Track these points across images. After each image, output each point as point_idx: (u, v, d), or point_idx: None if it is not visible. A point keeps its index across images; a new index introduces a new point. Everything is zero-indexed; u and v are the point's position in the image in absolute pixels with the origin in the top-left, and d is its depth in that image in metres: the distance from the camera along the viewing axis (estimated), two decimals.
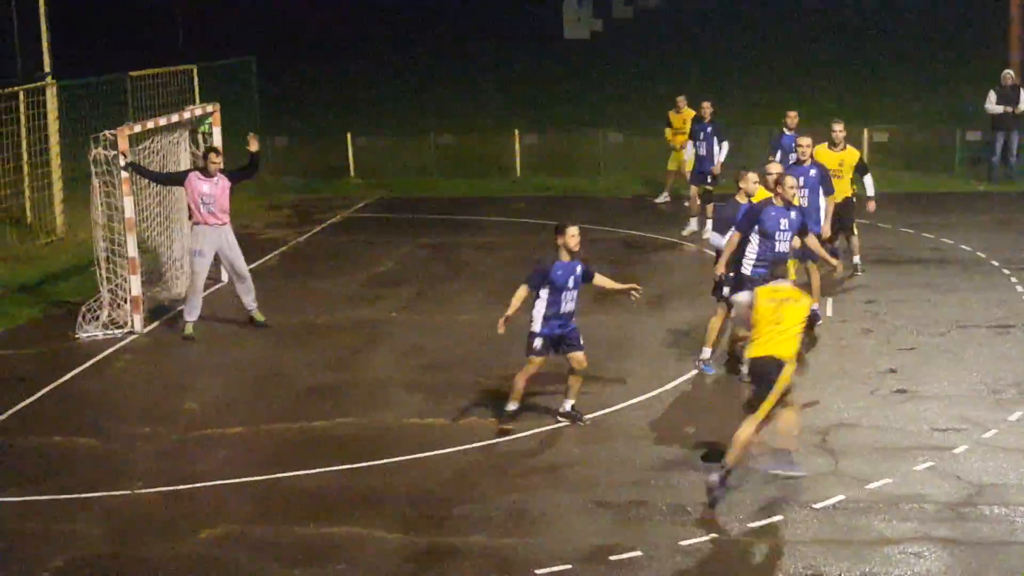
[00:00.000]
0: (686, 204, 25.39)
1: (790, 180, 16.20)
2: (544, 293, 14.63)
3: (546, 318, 14.67)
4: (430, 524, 12.50)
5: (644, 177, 30.39)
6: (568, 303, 14.71)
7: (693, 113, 26.12)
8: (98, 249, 19.00)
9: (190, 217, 19.12)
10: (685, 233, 24.64)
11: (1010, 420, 14.68)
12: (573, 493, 13.07)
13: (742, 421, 12.86)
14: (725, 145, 24.47)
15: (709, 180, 24.36)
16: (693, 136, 24.83)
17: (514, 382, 14.89)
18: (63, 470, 14.00)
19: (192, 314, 18.85)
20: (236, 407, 15.89)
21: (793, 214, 16.07)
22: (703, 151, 24.57)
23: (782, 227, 15.91)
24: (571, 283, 14.65)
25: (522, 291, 14.60)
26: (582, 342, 14.89)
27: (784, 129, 22.73)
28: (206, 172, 18.64)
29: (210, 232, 18.66)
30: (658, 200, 28.20)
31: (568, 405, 15.03)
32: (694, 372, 16.59)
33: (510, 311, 14.53)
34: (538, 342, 14.73)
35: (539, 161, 32.08)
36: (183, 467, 13.99)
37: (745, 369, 13.31)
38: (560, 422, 14.93)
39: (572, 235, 14.55)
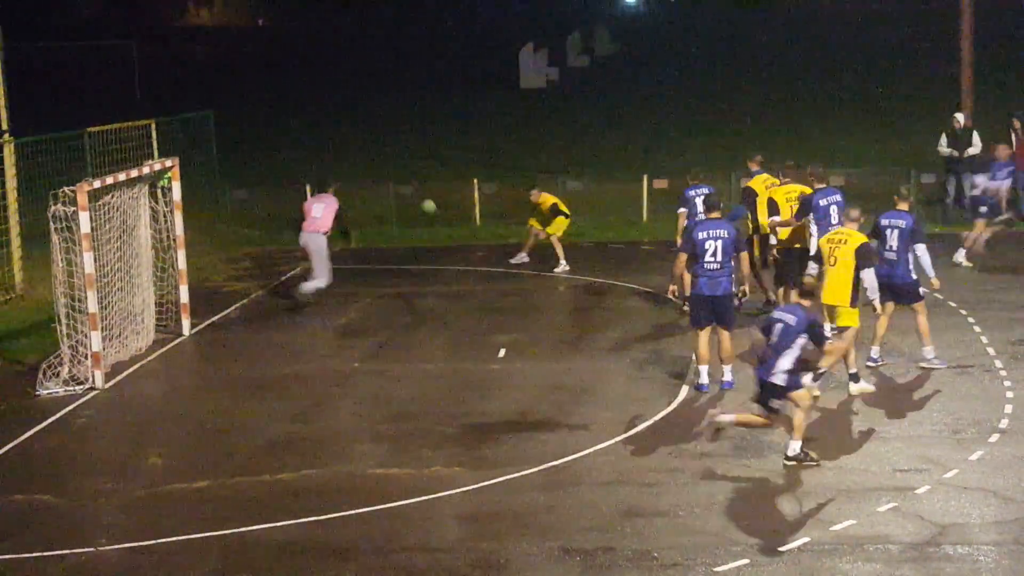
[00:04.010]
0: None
1: None
2: None
3: None
4: (398, 575, 12.49)
5: (605, 223, 30.52)
6: None
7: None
8: (58, 305, 18.92)
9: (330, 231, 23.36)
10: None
11: (971, 459, 14.79)
12: (540, 541, 13.07)
13: None
14: None
15: None
16: None
17: (802, 422, 14.87)
18: (25, 529, 13.91)
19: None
20: (200, 461, 15.82)
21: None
22: None
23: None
24: None
25: None
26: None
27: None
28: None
29: None
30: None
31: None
32: (658, 417, 16.64)
33: None
34: None
35: (498, 209, 32.15)
36: (147, 523, 13.92)
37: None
38: (529, 469, 14.93)
39: None
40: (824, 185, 20.00)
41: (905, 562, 12.33)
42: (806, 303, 15.08)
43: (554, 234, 26.20)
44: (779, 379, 14.63)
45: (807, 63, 63.77)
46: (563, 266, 25.94)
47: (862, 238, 17.30)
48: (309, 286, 23.44)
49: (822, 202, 19.63)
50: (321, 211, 23.37)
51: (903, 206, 18.39)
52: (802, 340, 14.62)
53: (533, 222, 26.56)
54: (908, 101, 50.10)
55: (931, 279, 18.31)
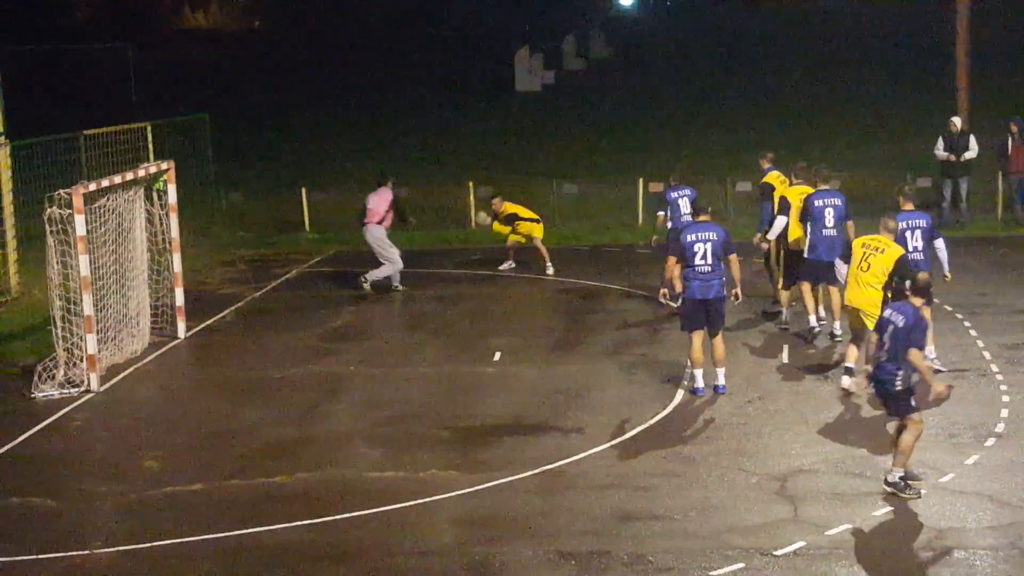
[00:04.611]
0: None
1: None
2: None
3: None
4: None
5: (599, 227, 30.53)
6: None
7: None
8: (54, 308, 18.91)
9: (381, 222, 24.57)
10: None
11: (967, 464, 14.79)
12: (535, 544, 13.06)
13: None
14: None
15: None
16: None
17: (908, 447, 13.93)
18: (20, 531, 13.90)
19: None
20: (195, 464, 15.81)
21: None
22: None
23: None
24: None
25: None
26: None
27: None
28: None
29: None
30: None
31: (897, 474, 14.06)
32: (653, 420, 16.64)
33: None
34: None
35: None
36: (142, 526, 13.91)
37: None
38: (524, 472, 14.92)
39: None
40: (826, 187, 19.99)
41: (900, 567, 12.32)
42: (917, 301, 14.11)
43: (537, 237, 26.20)
44: (899, 385, 13.85)
45: (803, 66, 63.74)
46: (550, 269, 25.96)
47: (900, 250, 17.11)
48: (378, 273, 24.54)
49: (817, 203, 19.63)
50: (374, 204, 24.51)
51: (908, 206, 18.36)
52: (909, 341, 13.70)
53: (498, 227, 26.50)
54: (904, 104, 50.10)
55: (946, 272, 18.42)
